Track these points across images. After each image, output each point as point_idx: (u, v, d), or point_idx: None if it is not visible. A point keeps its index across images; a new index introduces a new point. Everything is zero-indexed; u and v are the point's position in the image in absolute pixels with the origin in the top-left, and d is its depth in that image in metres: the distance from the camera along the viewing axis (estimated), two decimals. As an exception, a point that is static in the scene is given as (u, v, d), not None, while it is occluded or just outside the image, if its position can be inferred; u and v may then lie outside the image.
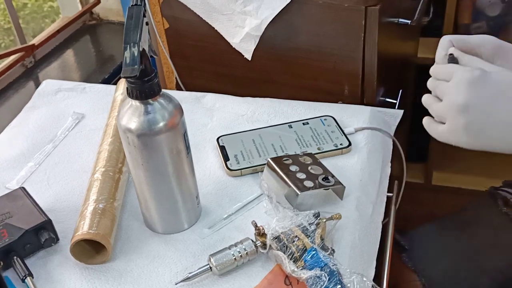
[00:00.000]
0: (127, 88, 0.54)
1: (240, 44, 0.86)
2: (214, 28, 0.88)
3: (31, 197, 0.63)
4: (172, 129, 0.56)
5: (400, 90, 0.96)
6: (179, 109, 0.57)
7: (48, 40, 1.18)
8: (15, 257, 0.58)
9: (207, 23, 0.89)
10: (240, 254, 0.57)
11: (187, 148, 0.59)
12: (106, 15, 1.37)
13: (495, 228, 0.77)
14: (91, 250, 0.59)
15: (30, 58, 1.15)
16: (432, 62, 0.59)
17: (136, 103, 0.55)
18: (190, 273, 0.56)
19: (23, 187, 0.64)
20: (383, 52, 0.86)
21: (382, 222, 0.66)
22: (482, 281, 0.74)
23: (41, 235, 0.59)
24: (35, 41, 1.16)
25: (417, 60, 1.38)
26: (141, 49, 0.51)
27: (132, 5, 0.53)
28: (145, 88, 0.53)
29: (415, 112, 1.55)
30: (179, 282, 0.56)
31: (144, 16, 0.53)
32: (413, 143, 1.65)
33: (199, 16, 0.88)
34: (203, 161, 0.72)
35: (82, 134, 0.79)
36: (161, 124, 0.55)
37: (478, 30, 1.37)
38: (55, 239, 0.60)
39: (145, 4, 0.54)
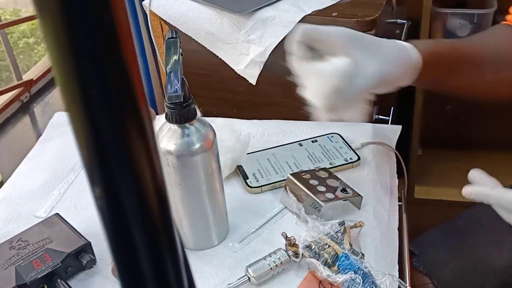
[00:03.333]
0: (166, 113, 0.58)
1: (244, 70, 0.91)
2: (217, 56, 0.93)
3: (66, 222, 0.65)
4: (207, 150, 0.60)
5: (392, 108, 1.03)
6: (212, 132, 0.61)
7: (45, 74, 1.20)
8: (58, 280, 0.60)
9: (210, 52, 0.93)
10: (275, 264, 0.61)
11: (219, 167, 0.63)
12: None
13: (498, 230, 0.83)
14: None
15: (26, 93, 1.17)
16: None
17: (174, 126, 0.59)
18: (229, 284, 0.60)
19: (57, 213, 0.67)
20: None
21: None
22: (489, 280, 0.79)
23: (82, 257, 0.62)
24: (32, 76, 1.18)
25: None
26: (181, 77, 0.55)
27: (169, 38, 0.57)
28: (183, 112, 0.58)
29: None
30: (221, 293, 0.59)
31: (180, 47, 0.58)
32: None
33: (203, 46, 0.93)
34: (225, 181, 0.76)
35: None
36: (198, 145, 0.59)
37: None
38: (95, 260, 0.63)
39: (179, 36, 0.58)
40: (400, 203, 0.78)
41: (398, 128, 0.87)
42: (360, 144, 0.81)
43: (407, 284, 0.68)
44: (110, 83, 0.19)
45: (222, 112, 0.94)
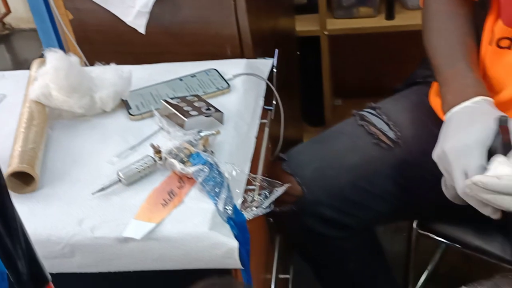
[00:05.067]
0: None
1: (133, 21, 1.02)
2: (111, 12, 1.04)
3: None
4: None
5: (276, 50, 1.15)
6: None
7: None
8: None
9: (105, 9, 1.04)
10: (142, 167, 0.73)
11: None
12: (18, 24, 1.49)
13: (354, 137, 0.97)
14: (22, 183, 0.73)
15: None
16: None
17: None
18: (103, 185, 0.72)
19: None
20: (255, 19, 1.05)
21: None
22: (344, 175, 0.93)
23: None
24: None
25: (296, 34, 1.60)
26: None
27: None
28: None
29: (304, 82, 1.77)
30: (96, 193, 0.71)
31: None
32: (310, 112, 1.88)
33: (97, 4, 1.04)
34: (111, 113, 0.88)
35: (6, 108, 0.92)
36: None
37: (348, 2, 1.60)
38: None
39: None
40: (265, 120, 0.91)
41: (269, 62, 0.99)
42: (232, 76, 0.94)
43: (260, 172, 0.81)
44: None
45: (123, 64, 1.05)
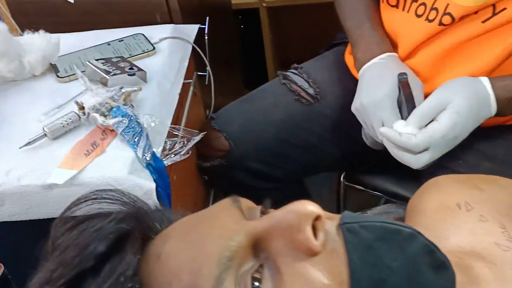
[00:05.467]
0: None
1: (62, -9, 1.06)
2: (42, -16, 1.08)
3: None
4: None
5: (207, 18, 1.21)
6: None
7: None
8: None
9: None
10: (66, 122, 0.78)
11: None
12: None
13: (277, 95, 1.04)
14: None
15: None
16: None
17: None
18: (30, 139, 0.76)
19: None
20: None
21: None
22: (268, 129, 1.00)
23: None
24: None
25: (232, 6, 1.66)
26: None
27: None
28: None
29: (247, 54, 1.83)
30: (23, 147, 0.76)
31: None
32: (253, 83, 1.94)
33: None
34: (39, 76, 0.92)
35: None
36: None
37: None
38: None
39: None
40: (190, 80, 0.97)
41: (195, 27, 1.05)
42: (158, 39, 0.99)
43: (183, 123, 0.87)
44: None
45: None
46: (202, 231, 0.38)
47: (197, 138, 0.80)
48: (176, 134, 0.82)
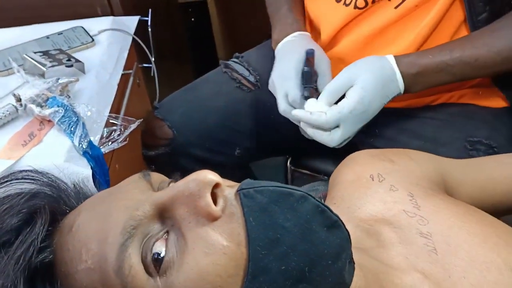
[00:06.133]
0: None
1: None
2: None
3: None
4: None
5: (150, 10, 1.22)
6: None
7: None
8: None
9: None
10: (4, 114, 0.79)
11: None
12: None
13: (219, 83, 1.06)
14: None
15: None
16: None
17: None
18: (-34, 133, 0.77)
19: None
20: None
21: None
22: (210, 117, 1.04)
23: None
24: None
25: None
26: None
27: None
28: None
29: (198, 46, 1.85)
30: (-42, 140, 0.77)
31: None
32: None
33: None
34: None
35: None
36: None
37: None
38: None
39: None
40: (130, 71, 0.99)
41: (135, 18, 1.07)
42: (98, 32, 1.00)
43: (122, 112, 0.89)
44: None
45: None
46: (110, 203, 0.41)
47: (134, 126, 0.82)
48: (115, 123, 0.84)
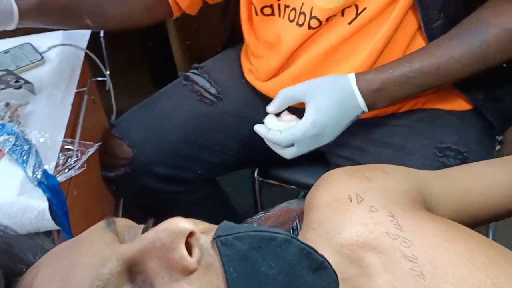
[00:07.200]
0: None
1: None
2: None
3: None
4: None
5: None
6: None
7: None
8: None
9: None
10: None
11: None
12: None
13: (180, 96, 1.02)
14: None
15: None
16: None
17: None
18: None
19: None
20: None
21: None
22: (172, 132, 0.99)
23: None
24: None
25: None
26: None
27: None
28: None
29: (155, 54, 1.79)
30: None
31: None
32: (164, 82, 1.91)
33: None
34: None
35: None
36: None
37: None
38: None
39: None
40: (84, 88, 0.93)
41: (87, 32, 1.01)
42: (47, 48, 0.94)
43: (78, 134, 0.84)
44: None
45: None
46: (73, 260, 0.36)
47: (92, 150, 0.76)
48: (71, 148, 0.79)
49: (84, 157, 0.76)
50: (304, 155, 0.81)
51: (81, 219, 0.83)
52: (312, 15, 0.82)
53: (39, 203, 0.69)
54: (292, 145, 0.78)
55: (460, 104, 0.91)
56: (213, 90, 1.02)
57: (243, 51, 1.03)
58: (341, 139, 0.88)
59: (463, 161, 0.83)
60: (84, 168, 0.76)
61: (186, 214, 1.12)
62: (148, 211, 1.14)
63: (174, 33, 1.73)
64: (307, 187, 1.14)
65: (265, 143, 1.05)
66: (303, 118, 0.77)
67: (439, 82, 0.80)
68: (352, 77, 0.77)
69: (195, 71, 1.06)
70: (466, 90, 0.88)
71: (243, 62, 1.02)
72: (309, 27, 0.83)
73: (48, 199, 0.70)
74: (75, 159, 0.76)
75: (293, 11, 0.84)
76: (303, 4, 0.82)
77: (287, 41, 0.86)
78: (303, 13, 0.83)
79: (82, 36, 1.00)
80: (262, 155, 1.09)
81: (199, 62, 1.10)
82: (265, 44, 0.92)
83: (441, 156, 0.84)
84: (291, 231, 0.67)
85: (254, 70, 0.97)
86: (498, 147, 0.94)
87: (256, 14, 0.91)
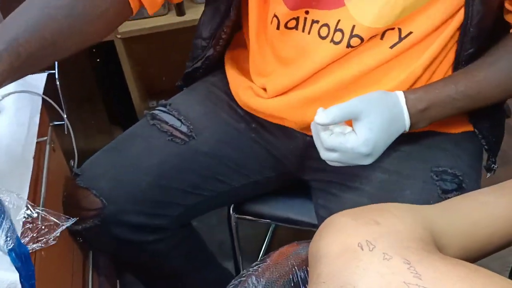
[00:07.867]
0: None
1: None
2: None
3: None
4: None
5: (56, 62, 1.09)
6: None
7: None
8: None
9: None
10: None
11: None
12: None
13: (148, 138, 0.95)
14: None
15: None
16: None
17: None
18: None
19: None
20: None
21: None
22: (143, 178, 0.91)
23: None
24: None
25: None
26: None
27: None
28: None
29: (110, 89, 1.72)
30: None
31: None
32: (122, 118, 1.83)
33: None
34: None
35: None
36: None
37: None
38: None
39: None
40: (45, 137, 0.85)
41: (43, 76, 0.93)
42: (1, 97, 0.86)
43: (43, 192, 0.76)
44: None
45: None
46: None
47: (67, 225, 0.69)
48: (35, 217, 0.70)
49: (57, 232, 0.68)
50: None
51: (50, 284, 0.75)
52: (354, 33, 0.78)
53: (9, 274, 0.61)
54: (334, 150, 0.74)
55: (453, 127, 0.90)
56: (184, 129, 0.96)
57: (236, 69, 0.98)
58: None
59: (459, 184, 0.82)
60: (55, 242, 0.68)
61: (161, 261, 1.04)
62: (120, 260, 1.06)
63: (127, 64, 1.67)
64: (287, 221, 1.11)
65: (242, 179, 1.00)
66: (357, 133, 0.73)
67: (475, 106, 0.79)
68: (401, 95, 0.74)
69: (162, 108, 0.99)
70: (476, 117, 0.88)
71: (236, 80, 0.96)
72: (348, 45, 0.79)
73: (18, 269, 0.63)
74: (46, 230, 0.68)
75: (325, 27, 0.80)
76: (339, 21, 0.78)
77: (314, 59, 0.82)
78: (340, 30, 0.79)
79: (39, 81, 0.93)
80: (238, 191, 1.04)
81: (155, 93, 1.03)
82: (280, 59, 0.87)
83: (438, 180, 0.83)
84: (292, 284, 0.62)
85: (256, 87, 0.91)
86: (488, 174, 0.93)
87: (278, 28, 0.86)
